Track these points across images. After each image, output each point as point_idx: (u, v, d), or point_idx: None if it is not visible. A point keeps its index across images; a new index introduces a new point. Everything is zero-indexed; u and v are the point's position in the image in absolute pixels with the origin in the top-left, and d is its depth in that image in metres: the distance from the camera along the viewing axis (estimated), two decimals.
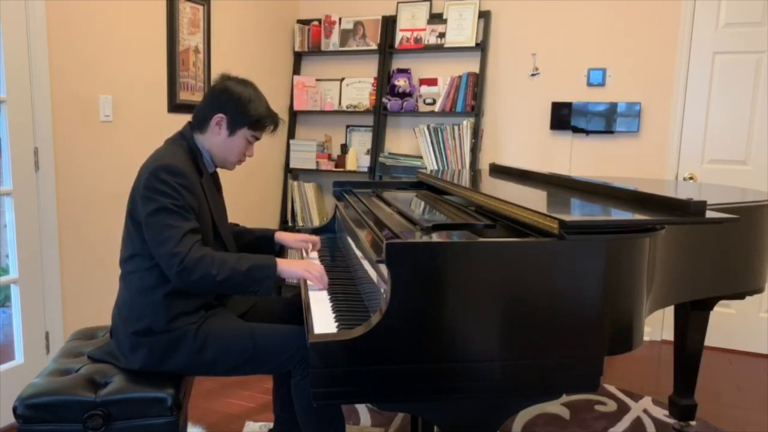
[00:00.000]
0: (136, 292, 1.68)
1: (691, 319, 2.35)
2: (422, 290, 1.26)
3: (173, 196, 1.60)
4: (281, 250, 2.13)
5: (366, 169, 4.03)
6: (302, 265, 1.74)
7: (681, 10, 3.38)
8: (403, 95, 3.89)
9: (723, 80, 3.36)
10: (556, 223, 1.31)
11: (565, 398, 2.73)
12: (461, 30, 3.76)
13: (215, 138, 1.79)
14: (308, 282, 1.73)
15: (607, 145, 3.61)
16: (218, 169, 1.92)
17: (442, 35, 3.81)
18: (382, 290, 1.37)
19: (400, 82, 3.91)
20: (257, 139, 1.83)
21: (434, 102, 3.85)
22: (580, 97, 3.61)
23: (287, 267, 1.70)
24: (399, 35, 3.93)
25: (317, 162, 4.14)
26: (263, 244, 2.07)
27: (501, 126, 3.83)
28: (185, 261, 1.55)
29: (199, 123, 1.80)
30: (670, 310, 2.93)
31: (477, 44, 3.73)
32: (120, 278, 1.74)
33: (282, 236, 2.10)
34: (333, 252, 2.19)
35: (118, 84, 2.76)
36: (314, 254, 2.10)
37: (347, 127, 4.21)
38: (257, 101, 1.79)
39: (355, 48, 4.05)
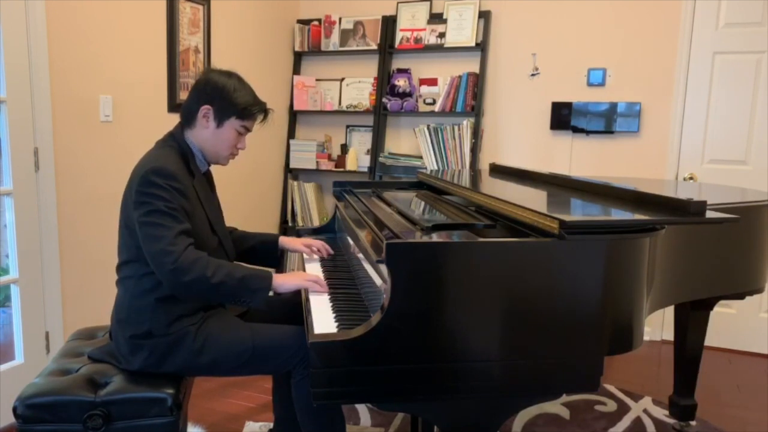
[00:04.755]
0: (132, 296, 1.66)
1: (691, 319, 2.35)
2: (422, 290, 1.26)
3: (165, 198, 1.58)
4: (282, 256, 2.10)
5: (366, 169, 4.03)
6: (300, 277, 1.71)
7: (681, 10, 3.38)
8: (403, 95, 3.89)
9: (723, 80, 3.36)
10: (556, 223, 1.31)
11: (565, 398, 2.73)
12: (461, 30, 3.76)
13: (204, 131, 1.75)
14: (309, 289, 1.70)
15: (607, 145, 3.61)
16: (216, 169, 1.91)
17: (442, 35, 3.81)
18: (382, 290, 1.37)
19: (400, 82, 3.91)
20: (247, 129, 1.80)
21: (434, 102, 3.85)
22: (580, 97, 3.61)
23: (284, 281, 1.68)
24: (399, 35, 3.93)
25: (317, 162, 4.14)
26: (266, 248, 2.03)
27: (501, 126, 3.83)
28: (179, 260, 1.53)
29: (187, 118, 1.77)
30: (670, 310, 2.94)
31: (477, 44, 3.73)
32: (117, 283, 1.73)
33: (285, 242, 2.05)
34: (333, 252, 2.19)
35: (118, 84, 2.76)
36: (316, 265, 2.03)
37: (347, 127, 4.21)
38: (242, 90, 1.75)
39: (355, 48, 4.05)
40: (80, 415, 1.54)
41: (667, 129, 3.49)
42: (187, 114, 1.77)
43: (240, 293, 1.61)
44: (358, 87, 4.11)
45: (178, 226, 1.58)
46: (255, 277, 1.62)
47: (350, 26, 4.06)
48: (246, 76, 1.84)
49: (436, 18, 3.84)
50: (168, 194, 1.59)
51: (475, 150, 3.72)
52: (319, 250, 2.06)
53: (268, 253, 2.04)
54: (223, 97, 1.73)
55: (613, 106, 3.51)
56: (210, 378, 2.62)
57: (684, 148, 3.47)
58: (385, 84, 3.97)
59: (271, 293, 1.67)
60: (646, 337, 3.62)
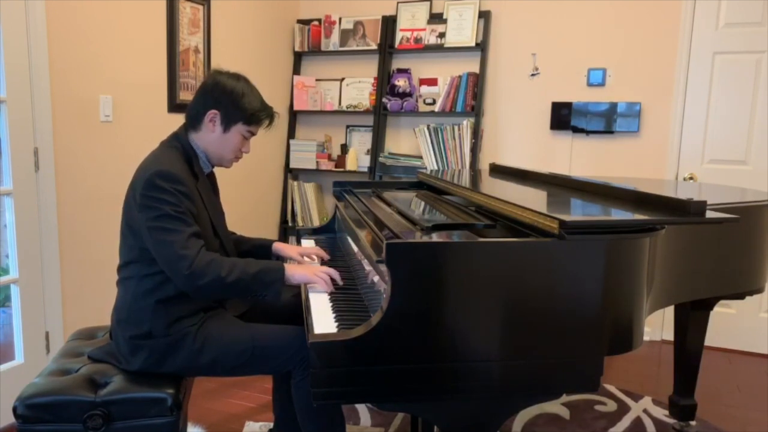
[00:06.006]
0: (133, 297, 1.67)
1: (691, 319, 2.35)
2: (422, 290, 1.26)
3: (172, 202, 1.58)
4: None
5: (366, 169, 4.03)
6: (311, 269, 1.72)
7: (681, 10, 3.38)
8: (403, 95, 3.89)
9: (723, 80, 3.36)
10: (556, 223, 1.31)
11: (565, 398, 2.73)
12: (461, 30, 3.76)
13: (210, 135, 1.75)
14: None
15: (607, 145, 3.61)
16: (216, 169, 1.91)
17: (442, 35, 3.81)
18: (382, 290, 1.37)
19: (400, 82, 3.91)
20: (253, 134, 1.80)
21: (434, 102, 3.85)
22: (580, 97, 3.61)
23: (295, 272, 1.69)
24: (399, 35, 3.93)
25: (317, 162, 4.14)
26: (260, 253, 2.02)
27: (501, 126, 3.83)
28: (194, 264, 1.55)
29: (192, 121, 1.76)
30: (670, 310, 2.93)
31: (477, 44, 3.73)
32: (117, 283, 1.73)
33: (280, 247, 2.04)
34: (333, 252, 2.18)
35: (118, 84, 2.76)
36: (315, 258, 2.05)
37: (347, 127, 4.21)
38: (251, 95, 1.75)
39: (355, 48, 4.05)
40: (80, 415, 1.54)
41: (667, 129, 3.49)
42: (193, 116, 1.76)
43: (255, 288, 1.63)
44: (358, 87, 4.11)
45: (188, 229, 1.59)
46: (268, 270, 1.64)
47: (350, 26, 4.06)
48: (246, 75, 1.83)
49: (436, 18, 3.84)
50: (174, 198, 1.59)
51: (475, 150, 3.72)
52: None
53: (261, 258, 2.02)
54: (231, 102, 1.72)
55: (613, 106, 3.51)
56: (210, 378, 2.62)
57: (684, 148, 3.47)
58: (385, 84, 3.97)
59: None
60: (646, 337, 3.62)
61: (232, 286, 1.59)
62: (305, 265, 1.79)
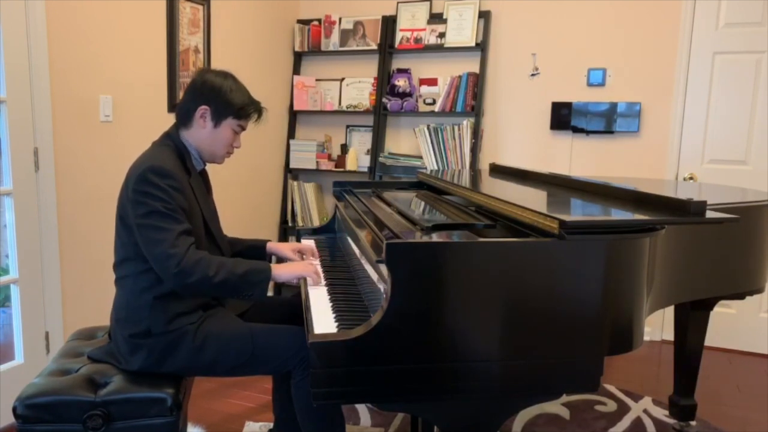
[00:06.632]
0: (131, 295, 1.67)
1: (691, 319, 2.35)
2: (422, 290, 1.26)
3: (163, 198, 1.59)
4: (276, 262, 2.11)
5: (366, 169, 4.03)
6: (297, 266, 1.76)
7: (681, 10, 3.38)
8: (403, 95, 3.89)
9: (723, 80, 3.36)
10: (556, 223, 1.31)
11: (565, 398, 2.73)
12: (461, 30, 3.76)
13: (201, 131, 1.77)
14: (308, 280, 1.74)
15: (607, 145, 3.61)
16: (216, 169, 1.92)
17: (442, 35, 3.81)
18: (382, 290, 1.37)
19: (400, 82, 3.91)
20: (243, 128, 1.82)
21: (434, 102, 3.85)
22: (580, 97, 3.61)
23: (282, 270, 1.71)
24: (399, 35, 3.93)
25: (317, 162, 4.14)
26: (254, 254, 2.03)
27: (501, 126, 3.83)
28: (182, 263, 1.55)
29: (183, 118, 1.78)
30: (670, 310, 2.93)
31: (477, 44, 3.73)
32: (115, 282, 1.74)
33: (274, 246, 2.06)
34: (333, 252, 2.19)
35: (118, 84, 2.76)
36: (316, 260, 2.06)
37: (347, 127, 4.21)
38: (238, 90, 1.78)
39: (355, 48, 4.05)
40: (80, 415, 1.54)
41: (667, 129, 3.49)
42: (184, 114, 1.78)
43: (242, 288, 1.64)
44: (358, 87, 4.11)
45: (177, 227, 1.59)
46: (255, 271, 1.66)
47: (350, 26, 4.06)
48: (246, 76, 1.85)
49: (436, 18, 3.84)
50: (166, 194, 1.60)
51: (475, 150, 3.72)
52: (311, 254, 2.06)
53: (256, 258, 2.03)
54: (220, 98, 1.74)
55: (613, 106, 3.51)
56: (210, 378, 2.62)
57: (684, 148, 3.47)
58: (385, 84, 3.97)
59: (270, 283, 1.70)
60: (646, 337, 3.62)
61: (220, 285, 1.60)
62: (291, 263, 1.83)
